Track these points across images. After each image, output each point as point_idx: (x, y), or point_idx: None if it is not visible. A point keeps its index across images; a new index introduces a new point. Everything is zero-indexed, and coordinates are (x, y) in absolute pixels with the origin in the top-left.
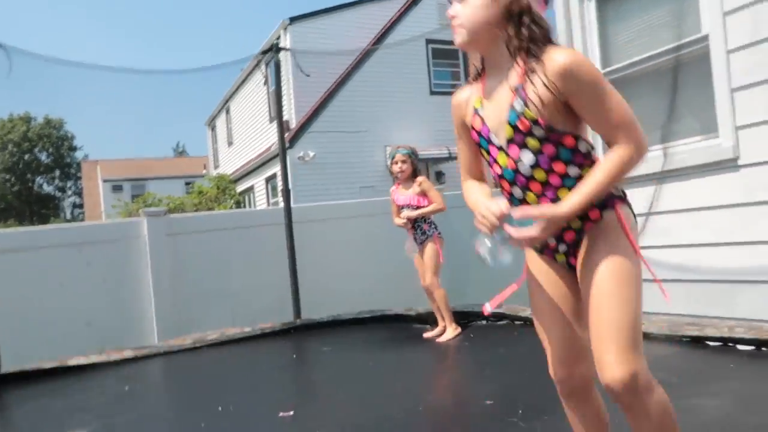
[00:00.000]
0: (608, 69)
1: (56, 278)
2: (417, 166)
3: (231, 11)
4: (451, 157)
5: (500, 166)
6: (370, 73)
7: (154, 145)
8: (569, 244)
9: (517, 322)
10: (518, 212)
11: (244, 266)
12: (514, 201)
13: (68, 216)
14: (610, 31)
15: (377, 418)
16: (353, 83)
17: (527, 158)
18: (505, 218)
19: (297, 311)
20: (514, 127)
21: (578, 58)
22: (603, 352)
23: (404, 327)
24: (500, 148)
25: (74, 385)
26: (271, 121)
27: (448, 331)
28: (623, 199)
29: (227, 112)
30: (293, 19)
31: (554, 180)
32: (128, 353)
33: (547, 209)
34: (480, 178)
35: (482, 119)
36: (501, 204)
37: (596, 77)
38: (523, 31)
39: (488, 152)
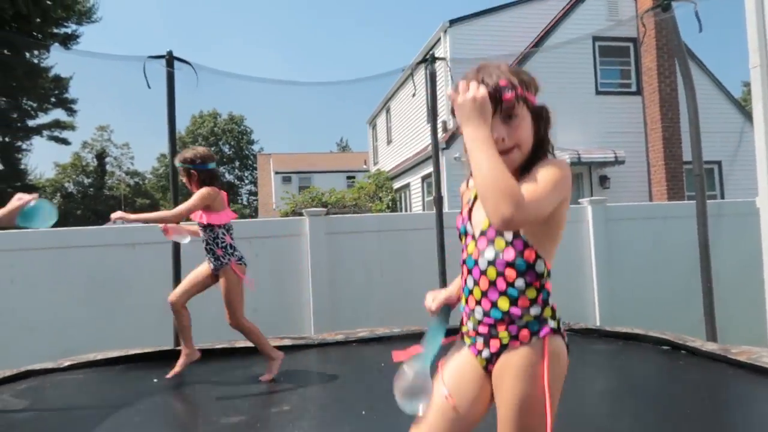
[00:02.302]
0: None
1: None
2: (202, 175)
3: (391, 18)
4: (617, 161)
5: (467, 253)
6: (532, 70)
7: (320, 141)
8: (492, 353)
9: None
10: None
11: (394, 268)
12: (465, 290)
13: (245, 202)
14: None
15: None
16: None
17: (489, 254)
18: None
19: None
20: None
21: (559, 164)
22: None
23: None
24: (473, 237)
25: (239, 369)
26: (428, 121)
27: (271, 364)
28: (557, 332)
29: (387, 111)
30: (453, 22)
31: (500, 284)
32: (287, 341)
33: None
34: None
35: (471, 210)
36: (431, 300)
37: (553, 175)
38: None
39: (464, 239)
